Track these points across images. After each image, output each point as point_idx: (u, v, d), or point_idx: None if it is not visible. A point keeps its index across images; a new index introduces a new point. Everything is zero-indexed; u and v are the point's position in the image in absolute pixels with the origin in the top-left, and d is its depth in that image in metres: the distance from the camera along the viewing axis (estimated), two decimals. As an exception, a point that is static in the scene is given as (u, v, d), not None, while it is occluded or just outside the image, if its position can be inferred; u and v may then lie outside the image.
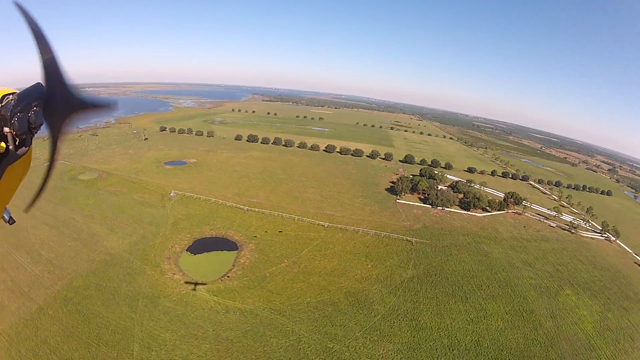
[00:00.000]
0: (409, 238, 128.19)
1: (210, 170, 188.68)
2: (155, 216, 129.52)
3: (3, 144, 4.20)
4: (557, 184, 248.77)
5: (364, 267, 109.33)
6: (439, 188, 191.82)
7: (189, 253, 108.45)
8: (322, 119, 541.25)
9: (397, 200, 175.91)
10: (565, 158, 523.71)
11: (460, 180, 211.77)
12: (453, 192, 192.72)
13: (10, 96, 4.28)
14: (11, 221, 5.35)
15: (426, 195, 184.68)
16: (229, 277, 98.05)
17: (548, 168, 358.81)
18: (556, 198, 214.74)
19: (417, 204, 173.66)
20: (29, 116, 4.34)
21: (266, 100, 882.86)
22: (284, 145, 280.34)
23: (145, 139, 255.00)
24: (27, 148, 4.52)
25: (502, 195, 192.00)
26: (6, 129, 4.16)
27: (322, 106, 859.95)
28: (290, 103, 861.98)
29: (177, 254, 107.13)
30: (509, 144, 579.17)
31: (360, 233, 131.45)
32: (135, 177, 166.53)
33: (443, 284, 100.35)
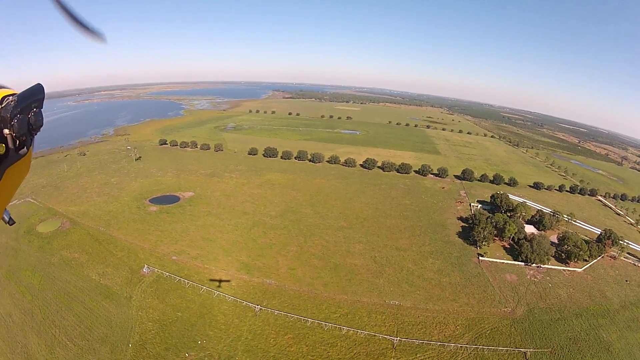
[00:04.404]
0: (520, 348, 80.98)
1: (209, 214, 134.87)
2: (113, 322, 78.21)
3: (3, 145, 4.10)
4: (623, 198, 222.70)
5: None
6: (528, 232, 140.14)
7: None
8: (351, 117, 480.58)
9: (481, 258, 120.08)
10: (607, 154, 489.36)
11: (543, 212, 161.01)
12: (538, 228, 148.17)
13: (10, 97, 4.17)
14: (11, 222, 5.19)
15: (513, 241, 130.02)
16: None
17: (600, 171, 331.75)
18: (632, 222, 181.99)
19: (504, 260, 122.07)
20: (28, 117, 4.35)
21: (287, 98, 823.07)
22: (310, 161, 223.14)
23: (138, 158, 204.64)
24: (27, 149, 4.45)
25: (590, 228, 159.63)
26: (6, 131, 4.09)
27: (347, 102, 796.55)
28: (313, 99, 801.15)
29: None
30: (547, 140, 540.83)
31: (449, 351, 76.13)
32: (104, 231, 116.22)
33: None
